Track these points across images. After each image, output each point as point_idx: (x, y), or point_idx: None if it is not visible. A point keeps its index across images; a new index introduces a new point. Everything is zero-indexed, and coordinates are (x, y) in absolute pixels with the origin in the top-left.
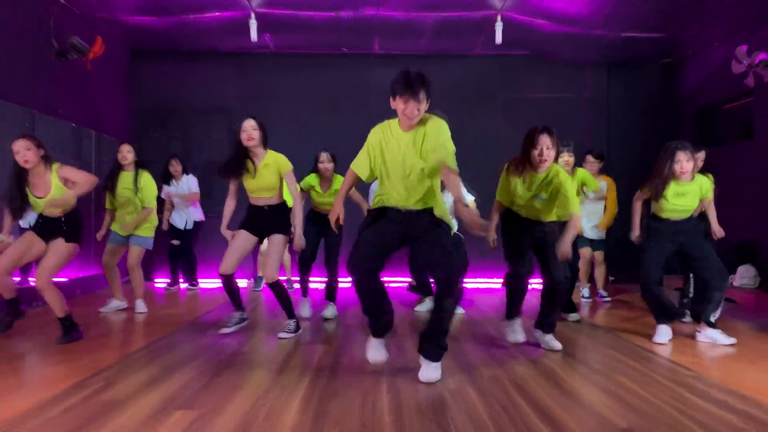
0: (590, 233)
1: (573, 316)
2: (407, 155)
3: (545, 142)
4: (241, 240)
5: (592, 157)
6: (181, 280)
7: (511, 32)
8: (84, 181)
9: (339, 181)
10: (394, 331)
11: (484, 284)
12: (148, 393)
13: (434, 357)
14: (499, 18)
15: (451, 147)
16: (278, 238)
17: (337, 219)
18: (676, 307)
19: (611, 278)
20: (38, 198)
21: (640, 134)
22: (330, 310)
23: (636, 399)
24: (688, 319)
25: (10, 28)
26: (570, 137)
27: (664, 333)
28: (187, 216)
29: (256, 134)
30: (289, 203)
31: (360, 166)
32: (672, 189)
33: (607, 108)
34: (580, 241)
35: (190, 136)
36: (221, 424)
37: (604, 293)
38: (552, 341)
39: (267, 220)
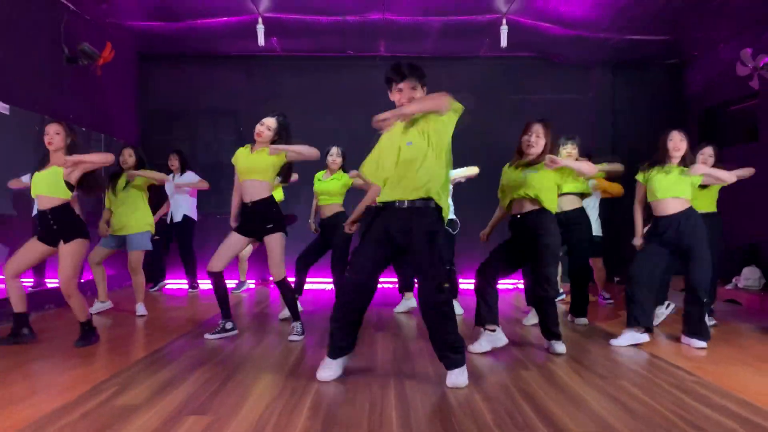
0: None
1: (581, 321)
2: (396, 140)
3: (536, 130)
4: (234, 239)
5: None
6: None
7: (517, 35)
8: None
9: (340, 174)
10: (397, 335)
11: None
12: (161, 398)
13: (453, 365)
14: (504, 21)
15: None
16: (276, 237)
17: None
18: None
19: (616, 279)
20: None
21: (646, 135)
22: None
23: (638, 404)
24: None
25: (21, 34)
26: None
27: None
28: (174, 209)
29: (266, 134)
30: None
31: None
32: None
33: (612, 109)
34: (591, 249)
35: (198, 138)
36: (233, 429)
37: (606, 295)
38: (556, 345)
39: (257, 215)
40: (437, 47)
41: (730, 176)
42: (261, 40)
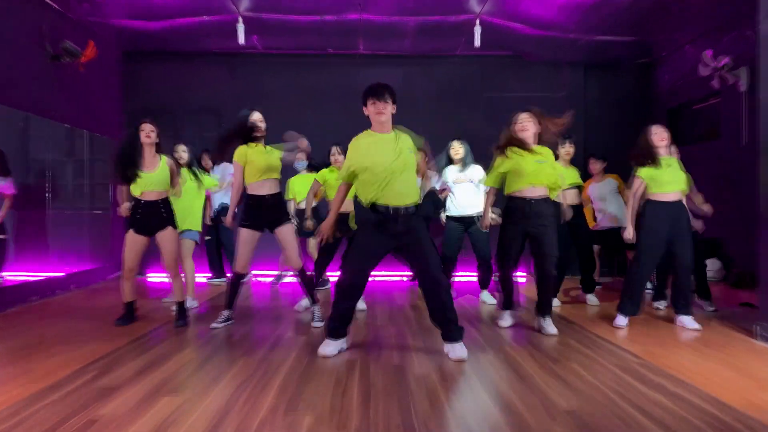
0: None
1: (592, 300)
2: (389, 156)
3: (522, 116)
4: (249, 236)
5: (595, 159)
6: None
7: (490, 35)
8: (178, 184)
9: None
10: (372, 322)
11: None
12: (139, 380)
13: (456, 337)
14: (477, 22)
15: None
16: (291, 227)
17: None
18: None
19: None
20: (145, 173)
21: (616, 133)
22: (361, 304)
23: (582, 383)
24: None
25: (4, 32)
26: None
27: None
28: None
29: (263, 126)
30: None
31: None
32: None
33: (584, 107)
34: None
35: (181, 135)
36: (204, 407)
37: None
38: (549, 326)
39: (274, 208)
40: (415, 46)
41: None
42: (241, 39)
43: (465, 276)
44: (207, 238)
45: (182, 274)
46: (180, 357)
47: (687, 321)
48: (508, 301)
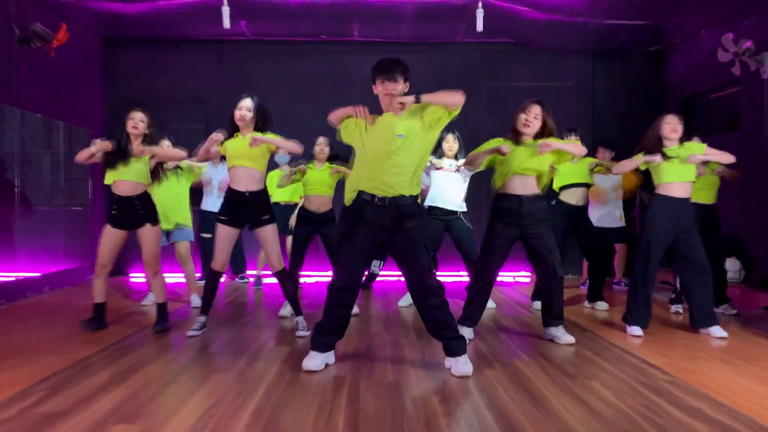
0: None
1: (600, 305)
2: (388, 135)
3: (534, 111)
4: (228, 232)
5: (603, 147)
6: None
7: (494, 20)
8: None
9: (328, 165)
10: (365, 329)
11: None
12: (92, 404)
13: (459, 351)
14: (480, 5)
15: None
16: (272, 228)
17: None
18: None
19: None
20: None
21: (625, 123)
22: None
23: (605, 406)
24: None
25: None
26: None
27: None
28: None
29: (248, 116)
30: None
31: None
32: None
33: (592, 97)
34: (615, 235)
35: (166, 127)
36: None
37: (626, 281)
38: (564, 335)
39: (253, 206)
40: (413, 32)
41: (729, 156)
42: (226, 23)
43: (460, 276)
44: (207, 236)
45: (183, 275)
46: (146, 372)
47: (713, 329)
48: (475, 315)
